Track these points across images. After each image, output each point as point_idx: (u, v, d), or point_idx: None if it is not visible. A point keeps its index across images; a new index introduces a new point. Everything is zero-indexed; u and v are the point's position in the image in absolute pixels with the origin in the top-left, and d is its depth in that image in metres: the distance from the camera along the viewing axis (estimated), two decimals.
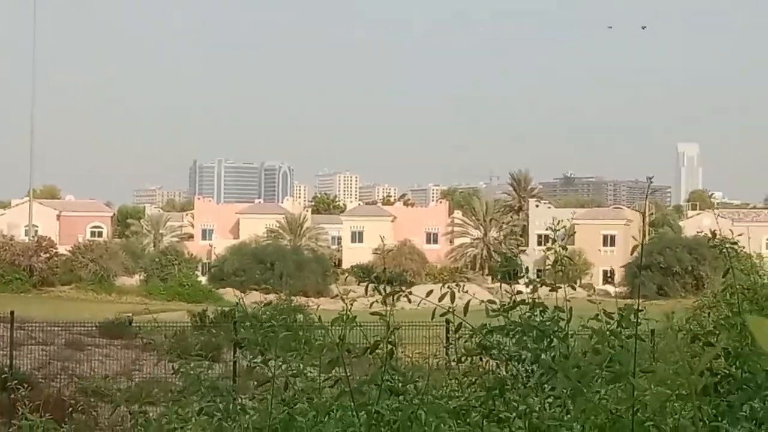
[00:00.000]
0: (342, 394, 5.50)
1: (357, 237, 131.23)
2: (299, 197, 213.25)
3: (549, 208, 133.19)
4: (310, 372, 5.93)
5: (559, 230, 6.67)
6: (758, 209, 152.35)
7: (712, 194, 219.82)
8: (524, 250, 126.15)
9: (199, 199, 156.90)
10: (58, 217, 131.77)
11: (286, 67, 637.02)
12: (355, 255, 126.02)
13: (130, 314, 50.83)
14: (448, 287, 5.75)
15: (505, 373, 5.63)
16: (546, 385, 5.35)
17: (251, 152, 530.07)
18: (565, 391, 5.14)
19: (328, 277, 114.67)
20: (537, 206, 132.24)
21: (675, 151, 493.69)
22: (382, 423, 5.37)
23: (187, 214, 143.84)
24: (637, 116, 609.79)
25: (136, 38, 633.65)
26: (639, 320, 5.34)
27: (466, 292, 5.88)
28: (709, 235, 6.25)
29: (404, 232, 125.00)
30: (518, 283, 6.68)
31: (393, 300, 5.68)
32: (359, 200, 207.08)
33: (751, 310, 6.04)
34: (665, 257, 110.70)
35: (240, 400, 6.35)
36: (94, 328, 41.82)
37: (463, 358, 5.81)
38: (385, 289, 5.66)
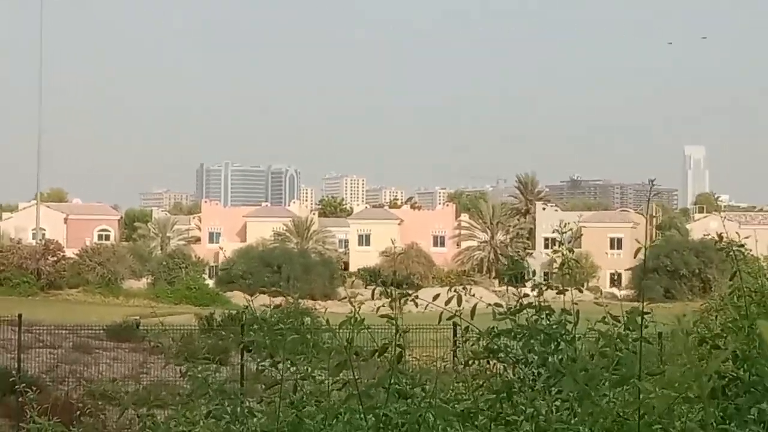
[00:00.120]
0: (350, 397, 5.51)
1: (364, 240, 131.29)
2: (306, 200, 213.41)
3: (556, 211, 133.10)
4: (319, 375, 5.94)
5: (565, 233, 6.68)
6: (765, 212, 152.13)
7: (718, 197, 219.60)
8: (531, 253, 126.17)
9: (206, 202, 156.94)
10: (66, 220, 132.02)
11: (288, 67, 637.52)
12: (362, 258, 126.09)
13: (138, 317, 50.99)
14: (455, 290, 5.76)
15: (512, 377, 5.64)
16: (553, 388, 5.36)
17: (258, 155, 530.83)
18: (571, 394, 5.14)
19: (335, 280, 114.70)
20: (544, 209, 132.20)
21: (682, 154, 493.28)
22: (390, 426, 5.38)
23: (194, 217, 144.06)
24: (643, 119, 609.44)
25: (138, 39, 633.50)
26: (646, 323, 5.35)
27: (473, 295, 5.89)
28: (716, 238, 6.25)
29: (411, 235, 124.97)
30: (525, 286, 6.69)
31: (400, 303, 5.69)
32: (366, 203, 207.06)
33: (758, 313, 6.04)
34: (672, 260, 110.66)
35: (248, 403, 6.36)
36: (101, 331, 41.89)
37: (470, 362, 5.82)
38: (392, 293, 5.67)
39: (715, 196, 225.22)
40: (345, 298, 6.18)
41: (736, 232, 7.02)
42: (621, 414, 4.87)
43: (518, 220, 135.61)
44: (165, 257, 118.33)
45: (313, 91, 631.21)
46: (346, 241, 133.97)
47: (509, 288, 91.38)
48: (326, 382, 5.86)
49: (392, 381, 5.47)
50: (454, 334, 6.63)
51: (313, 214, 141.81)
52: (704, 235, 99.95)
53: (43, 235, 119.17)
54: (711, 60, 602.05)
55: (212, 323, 45.41)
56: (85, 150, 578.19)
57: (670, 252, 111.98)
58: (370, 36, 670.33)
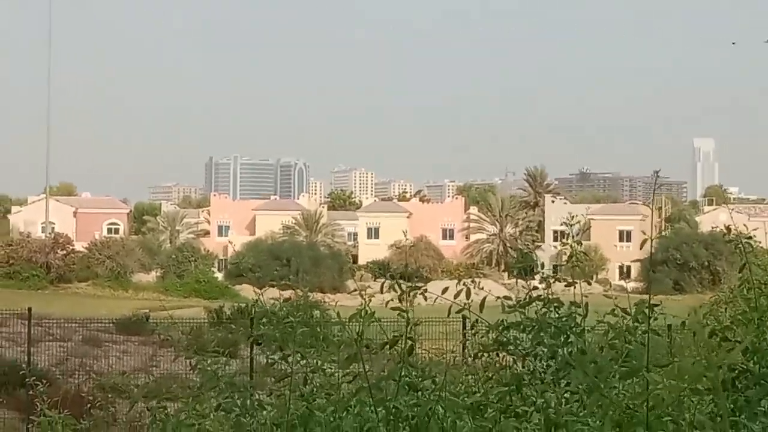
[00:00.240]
0: (360, 389, 5.52)
1: (373, 233, 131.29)
2: (315, 193, 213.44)
3: (565, 203, 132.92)
4: (329, 368, 5.95)
5: (574, 225, 6.68)
6: None
7: (726, 189, 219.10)
8: (540, 246, 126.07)
9: (215, 195, 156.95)
10: (75, 214, 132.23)
11: (291, 66, 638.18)
12: (371, 251, 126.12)
13: (147, 310, 51.05)
14: (464, 283, 5.77)
15: (521, 369, 5.64)
16: (563, 381, 5.36)
17: (267, 149, 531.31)
18: (581, 386, 5.15)
19: (344, 274, 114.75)
20: (553, 202, 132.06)
21: (691, 146, 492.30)
22: (399, 419, 5.39)
23: (203, 211, 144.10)
24: (650, 113, 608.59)
25: (145, 37, 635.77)
26: (656, 315, 5.35)
27: (482, 288, 5.90)
28: (724, 231, 6.25)
29: (420, 228, 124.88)
30: (534, 278, 6.69)
31: (408, 296, 5.69)
32: (375, 196, 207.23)
33: None
34: (682, 253, 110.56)
35: (257, 396, 6.37)
36: (111, 325, 41.93)
37: (479, 354, 5.82)
38: (401, 286, 5.68)
39: (725, 188, 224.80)
40: (354, 291, 6.21)
41: (744, 224, 7.01)
42: (630, 406, 4.88)
43: (527, 212, 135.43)
44: (174, 250, 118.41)
45: (316, 90, 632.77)
46: (355, 234, 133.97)
47: (518, 281, 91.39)
48: (336, 374, 5.88)
49: (402, 373, 5.48)
50: (464, 327, 6.64)
51: (322, 207, 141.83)
52: (712, 227, 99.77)
53: (53, 228, 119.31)
54: (718, 54, 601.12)
55: (221, 316, 45.40)
56: (95, 144, 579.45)
57: (680, 244, 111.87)
58: (370, 36, 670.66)
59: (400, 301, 5.61)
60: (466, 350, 6.30)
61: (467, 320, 5.78)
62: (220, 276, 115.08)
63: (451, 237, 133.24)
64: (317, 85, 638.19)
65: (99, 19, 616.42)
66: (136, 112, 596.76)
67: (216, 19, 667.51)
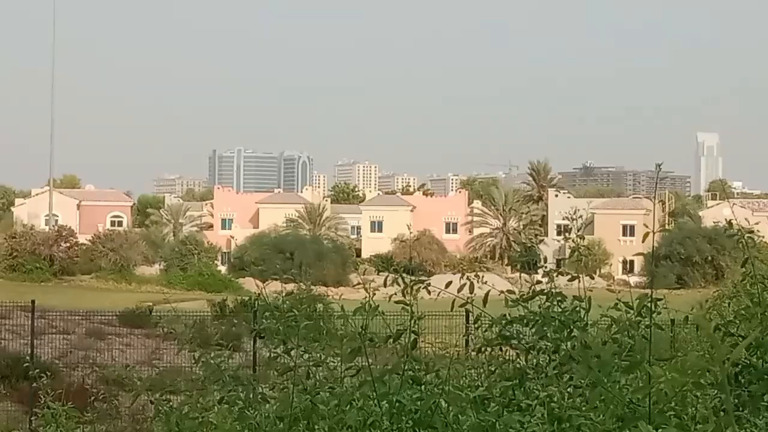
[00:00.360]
0: (364, 383, 5.52)
1: (376, 227, 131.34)
2: (318, 187, 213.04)
3: (568, 197, 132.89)
4: (332, 361, 5.96)
5: (576, 219, 6.67)
6: None
7: (727, 184, 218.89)
8: (543, 240, 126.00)
9: (218, 188, 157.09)
10: (79, 206, 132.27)
11: (297, 59, 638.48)
12: (374, 245, 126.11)
13: (150, 303, 51.00)
14: (468, 277, 5.77)
15: (525, 363, 5.64)
16: (566, 375, 5.37)
17: (270, 142, 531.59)
18: (584, 380, 5.15)
19: (347, 267, 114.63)
20: (556, 196, 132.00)
21: (695, 141, 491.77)
22: (403, 412, 5.40)
23: (206, 204, 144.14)
24: (654, 108, 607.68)
25: (150, 29, 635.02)
26: (659, 310, 5.35)
27: (486, 282, 5.90)
28: (727, 225, 6.25)
29: (423, 221, 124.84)
30: (537, 273, 6.69)
31: (412, 290, 5.70)
32: (378, 190, 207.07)
33: None
34: (685, 247, 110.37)
35: (261, 389, 6.38)
36: (114, 318, 41.94)
37: (483, 348, 5.83)
38: (405, 279, 5.68)
39: (728, 183, 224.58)
40: (357, 284, 6.21)
41: (746, 219, 7.01)
42: (633, 400, 4.88)
43: (530, 206, 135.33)
44: (178, 243, 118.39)
45: (320, 83, 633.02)
46: (359, 228, 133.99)
47: (522, 275, 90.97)
48: (339, 368, 5.88)
49: (406, 367, 5.49)
50: (467, 321, 6.64)
51: (326, 200, 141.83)
52: (714, 222, 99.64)
53: (56, 221, 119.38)
54: (724, 46, 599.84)
55: (225, 310, 45.42)
56: (99, 137, 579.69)
57: (683, 239, 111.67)
58: (374, 30, 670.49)
59: (404, 294, 5.61)
60: (469, 344, 6.29)
61: (471, 314, 5.78)
62: (223, 269, 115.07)
63: (455, 231, 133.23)
64: (321, 78, 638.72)
65: (104, 11, 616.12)
66: (141, 105, 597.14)
67: (222, 12, 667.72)
